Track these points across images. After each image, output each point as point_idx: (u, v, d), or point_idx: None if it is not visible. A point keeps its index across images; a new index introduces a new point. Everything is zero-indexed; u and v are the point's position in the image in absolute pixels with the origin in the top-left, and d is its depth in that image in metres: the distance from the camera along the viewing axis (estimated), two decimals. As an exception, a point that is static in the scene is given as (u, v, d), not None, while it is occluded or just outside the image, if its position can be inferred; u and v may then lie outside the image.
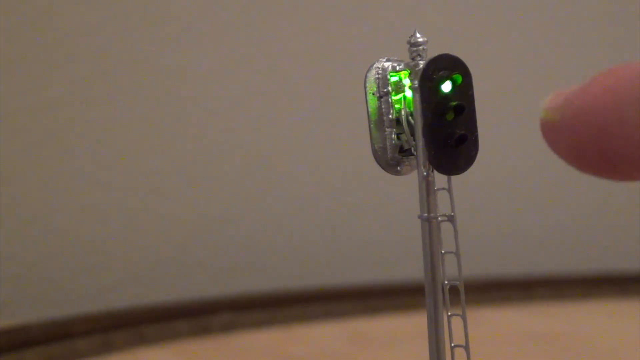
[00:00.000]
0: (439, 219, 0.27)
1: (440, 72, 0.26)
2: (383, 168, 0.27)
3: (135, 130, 0.67)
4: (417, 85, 0.26)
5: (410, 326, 0.56)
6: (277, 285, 0.66)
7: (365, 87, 0.27)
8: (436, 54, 0.26)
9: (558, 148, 0.24)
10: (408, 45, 0.27)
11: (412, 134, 0.27)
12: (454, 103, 0.26)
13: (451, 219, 0.27)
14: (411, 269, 0.70)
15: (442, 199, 0.27)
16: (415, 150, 0.26)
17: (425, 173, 0.26)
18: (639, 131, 0.21)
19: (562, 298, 0.65)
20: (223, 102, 0.69)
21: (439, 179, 0.27)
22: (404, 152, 0.27)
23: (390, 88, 0.27)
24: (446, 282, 0.27)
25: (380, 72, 0.27)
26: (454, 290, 0.27)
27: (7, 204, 0.64)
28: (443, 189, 0.27)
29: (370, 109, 0.27)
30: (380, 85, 0.27)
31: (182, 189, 0.69)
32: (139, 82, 0.67)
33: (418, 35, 0.27)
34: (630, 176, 0.23)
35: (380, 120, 0.27)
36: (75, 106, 0.66)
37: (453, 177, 0.27)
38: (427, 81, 0.26)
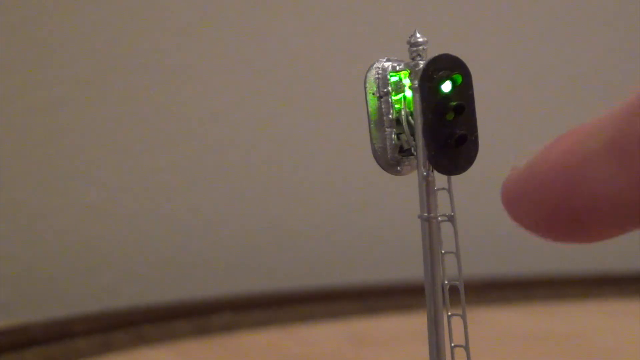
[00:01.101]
0: (439, 218, 0.27)
1: (440, 72, 0.26)
2: (383, 168, 0.27)
3: (135, 130, 0.67)
4: (417, 85, 0.26)
5: (410, 326, 0.56)
6: (277, 285, 0.66)
7: (365, 87, 0.27)
8: (436, 54, 0.26)
9: (521, 216, 0.23)
10: (408, 45, 0.27)
11: (412, 134, 0.27)
12: (454, 103, 0.26)
13: (451, 219, 0.27)
14: (411, 269, 0.70)
15: (442, 199, 0.27)
16: (415, 150, 0.26)
17: (425, 173, 0.26)
18: (603, 185, 0.21)
19: (562, 298, 0.65)
20: (222, 102, 0.69)
21: (439, 179, 0.27)
22: (404, 152, 0.27)
23: (390, 88, 0.27)
24: (446, 282, 0.27)
25: (380, 72, 0.27)
26: (454, 290, 0.27)
27: (7, 204, 0.64)
28: (443, 189, 0.27)
29: (370, 109, 0.27)
30: (380, 85, 0.27)
31: (182, 189, 0.69)
32: (138, 82, 0.67)
33: (418, 35, 0.27)
34: (599, 235, 0.22)
35: (380, 120, 0.27)
36: (75, 106, 0.66)
37: (453, 177, 0.27)
38: (427, 81, 0.26)
